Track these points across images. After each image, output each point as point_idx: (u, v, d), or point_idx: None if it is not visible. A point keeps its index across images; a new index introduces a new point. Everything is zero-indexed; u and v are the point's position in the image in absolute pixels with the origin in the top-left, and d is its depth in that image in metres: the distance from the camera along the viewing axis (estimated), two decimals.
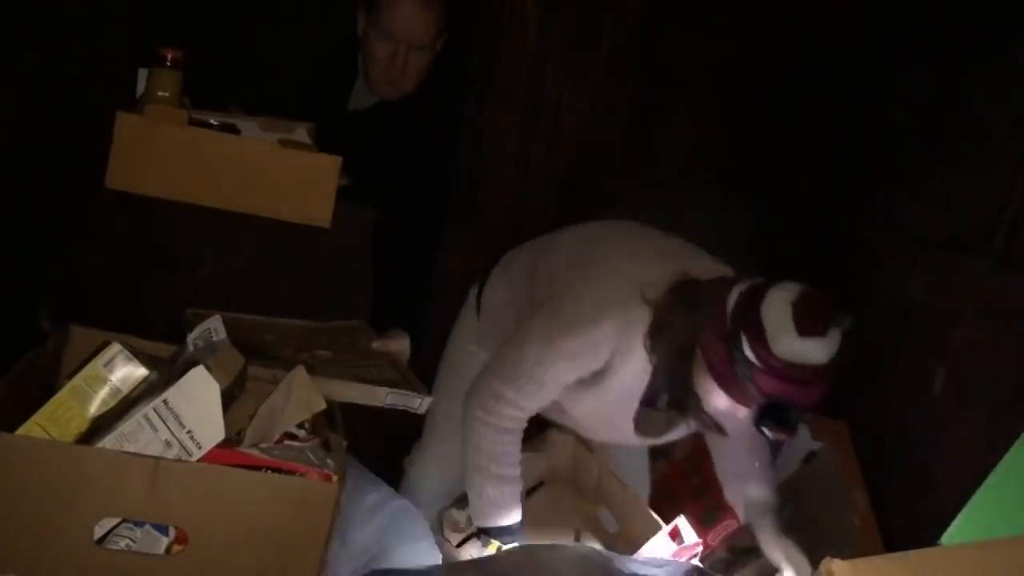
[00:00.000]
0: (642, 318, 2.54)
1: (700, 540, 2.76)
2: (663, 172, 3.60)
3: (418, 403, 2.76)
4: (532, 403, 2.68)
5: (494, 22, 3.41)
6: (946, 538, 2.39)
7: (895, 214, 3.21)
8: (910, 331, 2.99)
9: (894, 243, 3.16)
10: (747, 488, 2.84)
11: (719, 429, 2.61)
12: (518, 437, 2.72)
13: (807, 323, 2.31)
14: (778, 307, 2.33)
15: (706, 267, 2.62)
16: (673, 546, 2.71)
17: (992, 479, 2.36)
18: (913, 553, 2.18)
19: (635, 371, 2.60)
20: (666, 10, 3.47)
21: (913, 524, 2.72)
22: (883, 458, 2.96)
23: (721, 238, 3.40)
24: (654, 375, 2.59)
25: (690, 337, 2.47)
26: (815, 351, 2.31)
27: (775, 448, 2.67)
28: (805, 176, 3.64)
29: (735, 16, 3.52)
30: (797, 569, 2.70)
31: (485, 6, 3.43)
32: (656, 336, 2.54)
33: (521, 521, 2.74)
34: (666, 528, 2.74)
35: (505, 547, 2.70)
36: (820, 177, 3.63)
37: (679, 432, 2.79)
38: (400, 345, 3.09)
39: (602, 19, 3.42)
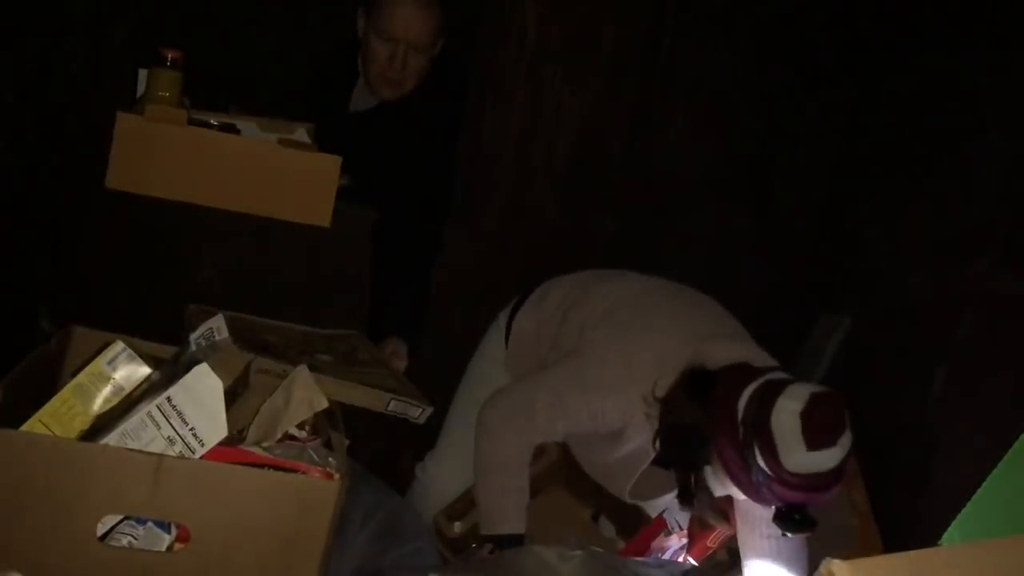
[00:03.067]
0: (655, 405, 2.57)
1: (683, 529, 2.77)
2: (663, 173, 3.60)
3: (418, 413, 2.78)
4: (540, 437, 2.76)
5: (494, 23, 3.41)
6: (946, 538, 2.39)
7: (895, 214, 3.21)
8: (910, 331, 2.99)
9: (894, 243, 3.16)
10: None
11: (725, 517, 2.67)
12: (528, 451, 2.76)
13: (816, 437, 2.31)
14: (786, 421, 2.33)
15: (724, 349, 2.61)
16: (660, 537, 2.72)
17: (992, 479, 2.36)
18: (913, 553, 2.17)
19: (645, 441, 2.63)
20: (665, 11, 3.47)
21: (913, 524, 2.72)
22: (883, 458, 2.96)
23: (720, 238, 3.42)
24: (659, 457, 2.64)
25: (697, 431, 2.49)
26: (825, 461, 2.33)
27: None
28: (805, 176, 3.65)
29: (734, 17, 3.52)
30: None
31: (485, 7, 3.43)
32: (664, 432, 2.57)
33: (523, 535, 2.75)
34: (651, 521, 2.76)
35: None
36: (820, 177, 3.63)
37: (670, 500, 2.80)
38: (398, 354, 3.10)
39: (602, 19, 3.43)
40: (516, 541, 2.74)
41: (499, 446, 2.72)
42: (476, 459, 2.76)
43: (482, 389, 2.92)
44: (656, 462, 2.69)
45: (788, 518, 2.41)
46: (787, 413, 2.33)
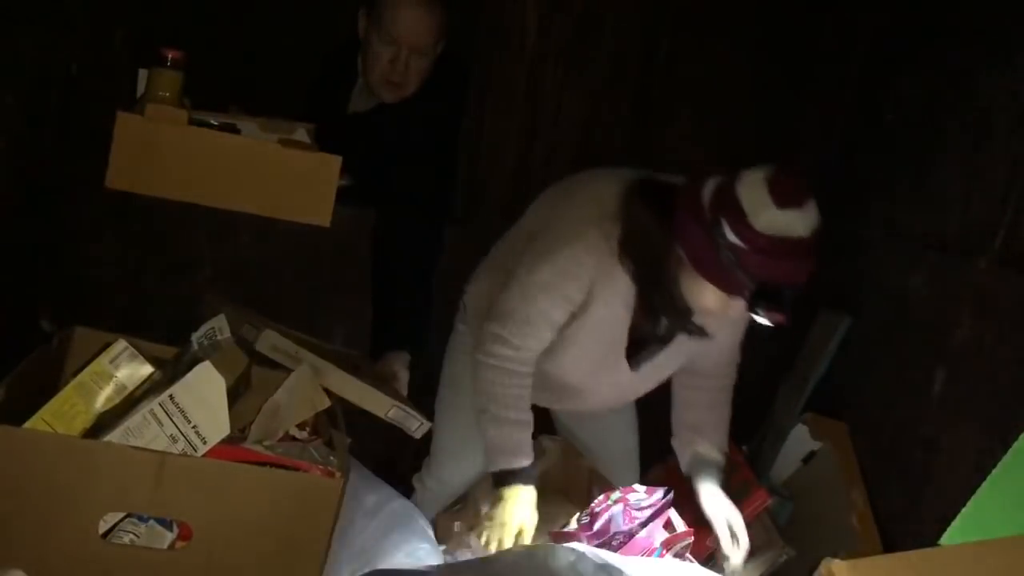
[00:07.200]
0: (615, 232, 2.59)
1: (690, 529, 2.77)
2: (662, 172, 3.60)
3: (416, 426, 2.79)
4: (527, 342, 2.72)
5: (495, 23, 3.42)
6: (946, 538, 2.39)
7: (895, 214, 3.22)
8: (910, 331, 2.99)
9: (894, 243, 3.17)
10: (698, 442, 2.91)
11: (704, 333, 2.68)
12: (522, 380, 2.75)
13: (784, 196, 2.35)
14: (753, 185, 2.37)
15: (670, 178, 2.66)
16: (665, 534, 2.71)
17: (992, 479, 2.36)
18: (913, 553, 2.18)
19: (619, 292, 2.65)
20: (665, 10, 3.48)
21: (913, 524, 2.73)
22: (883, 458, 2.97)
23: None
24: (638, 291, 2.64)
25: (665, 238, 2.52)
26: (796, 222, 2.35)
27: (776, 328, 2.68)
28: (804, 175, 3.63)
29: (734, 16, 3.53)
30: (732, 526, 2.81)
31: (486, 7, 3.43)
32: (629, 244, 2.59)
33: (530, 468, 2.78)
34: (658, 520, 2.75)
35: (511, 495, 2.74)
36: (819, 177, 3.61)
37: (671, 360, 2.84)
38: (397, 375, 3.11)
39: (602, 19, 3.43)
40: (521, 474, 2.76)
41: (493, 377, 2.73)
42: (476, 397, 2.78)
43: (460, 385, 2.93)
44: (635, 331, 2.73)
45: (763, 297, 2.42)
46: (752, 179, 2.39)
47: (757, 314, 2.47)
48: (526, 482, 2.76)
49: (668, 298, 2.61)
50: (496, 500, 2.76)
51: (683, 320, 2.65)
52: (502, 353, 2.70)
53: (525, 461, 2.77)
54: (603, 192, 2.67)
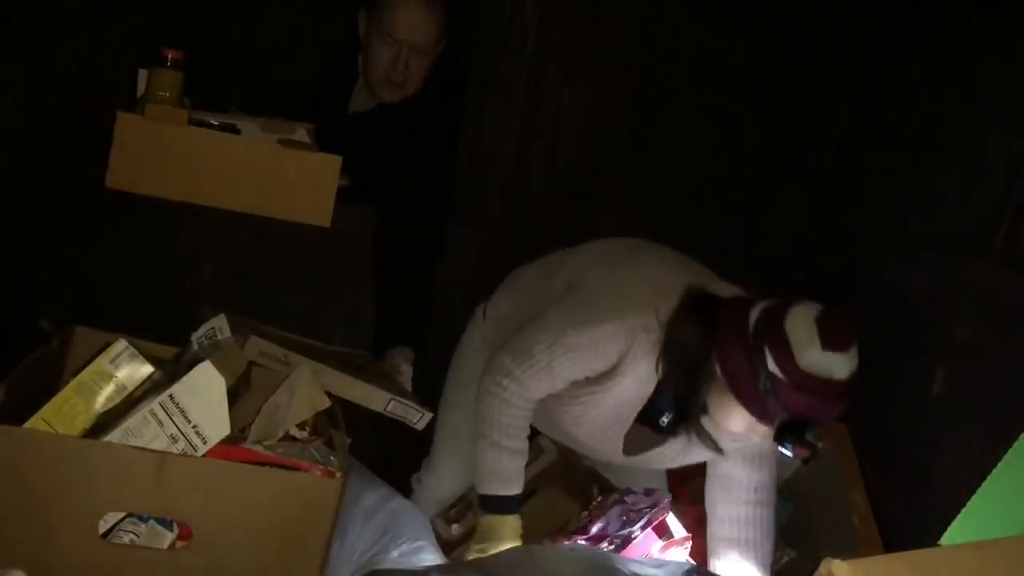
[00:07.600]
0: (657, 329, 2.55)
1: (688, 534, 2.76)
2: (662, 172, 3.60)
3: (418, 418, 2.79)
4: (539, 385, 2.68)
5: (494, 22, 3.42)
6: (946, 538, 2.39)
7: (895, 214, 3.22)
8: (910, 331, 2.99)
9: (894, 243, 3.16)
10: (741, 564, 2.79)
11: (716, 448, 2.63)
12: (526, 413, 2.72)
13: (831, 338, 2.33)
14: (803, 322, 2.35)
15: (724, 288, 2.63)
16: (661, 542, 2.71)
17: (992, 479, 2.36)
18: (913, 553, 2.17)
19: (640, 379, 2.60)
20: (665, 10, 3.48)
21: (913, 524, 2.73)
22: (883, 458, 2.96)
23: (719, 237, 3.41)
24: (659, 387, 2.61)
25: (704, 353, 2.49)
26: (838, 365, 2.33)
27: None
28: (804, 176, 3.65)
29: (734, 16, 3.53)
30: None
31: (485, 7, 3.43)
32: (669, 351, 2.55)
33: (518, 497, 2.75)
34: (653, 523, 2.75)
35: (499, 527, 2.71)
36: (819, 177, 3.63)
37: (664, 456, 2.79)
38: (400, 370, 3.11)
39: (602, 19, 3.43)
40: (510, 502, 2.74)
41: (499, 406, 2.69)
42: (478, 420, 2.74)
43: (467, 388, 2.92)
44: (644, 415, 2.68)
45: (791, 431, 2.39)
46: (802, 316, 2.36)
47: (783, 446, 2.45)
48: (514, 510, 2.75)
49: (689, 406, 2.58)
50: (484, 529, 2.75)
51: (693, 425, 2.62)
52: (511, 388, 2.67)
53: (516, 489, 2.75)
54: (662, 282, 2.64)
